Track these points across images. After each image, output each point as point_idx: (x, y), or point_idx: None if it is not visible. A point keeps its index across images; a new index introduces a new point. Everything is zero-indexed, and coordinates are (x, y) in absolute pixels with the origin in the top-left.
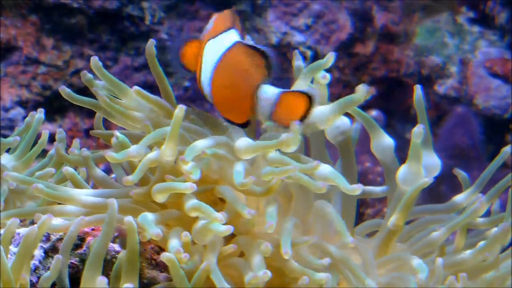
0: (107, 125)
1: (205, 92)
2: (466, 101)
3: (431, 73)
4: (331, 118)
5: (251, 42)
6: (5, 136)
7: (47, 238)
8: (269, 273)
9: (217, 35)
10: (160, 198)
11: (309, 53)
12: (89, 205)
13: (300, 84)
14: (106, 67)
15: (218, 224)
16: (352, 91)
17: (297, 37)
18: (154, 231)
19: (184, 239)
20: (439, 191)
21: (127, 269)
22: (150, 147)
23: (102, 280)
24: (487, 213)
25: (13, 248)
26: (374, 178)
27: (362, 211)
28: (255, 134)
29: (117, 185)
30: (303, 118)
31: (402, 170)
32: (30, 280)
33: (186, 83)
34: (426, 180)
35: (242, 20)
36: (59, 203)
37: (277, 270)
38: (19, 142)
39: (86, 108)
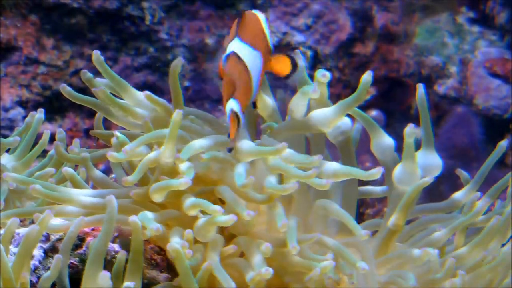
0: (107, 125)
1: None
2: (466, 101)
3: (431, 73)
4: (333, 120)
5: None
6: (5, 136)
7: (47, 238)
8: (271, 270)
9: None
10: (157, 197)
11: (309, 53)
12: (88, 206)
13: (297, 100)
14: None
15: (220, 215)
16: (352, 91)
17: (297, 37)
18: (153, 226)
19: (187, 236)
20: (439, 190)
21: (131, 268)
22: (150, 146)
23: (105, 275)
24: (486, 212)
25: (13, 248)
26: None
27: (362, 211)
28: (255, 133)
29: (117, 186)
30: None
31: (397, 170)
32: (30, 280)
33: (186, 83)
34: (427, 179)
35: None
36: (59, 203)
37: (277, 271)
38: (19, 142)
39: (86, 108)
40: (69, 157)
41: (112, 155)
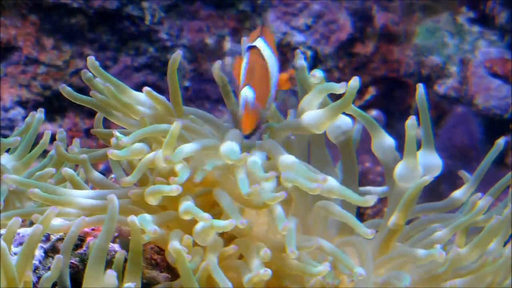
0: (107, 125)
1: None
2: (466, 101)
3: (431, 73)
4: (323, 122)
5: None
6: (5, 136)
7: (47, 238)
8: (269, 271)
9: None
10: (152, 200)
11: (309, 53)
12: (87, 208)
13: (310, 100)
14: (106, 67)
15: (219, 220)
16: None
17: (297, 37)
18: (151, 228)
19: (186, 242)
20: (439, 191)
21: (130, 269)
22: (150, 144)
23: (111, 274)
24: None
25: (13, 248)
26: (374, 178)
27: (362, 211)
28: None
29: (116, 186)
30: None
31: (399, 167)
32: None
33: (186, 83)
34: (426, 178)
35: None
36: None
37: (275, 273)
38: (19, 142)
39: (86, 108)
40: (69, 157)
41: (113, 153)
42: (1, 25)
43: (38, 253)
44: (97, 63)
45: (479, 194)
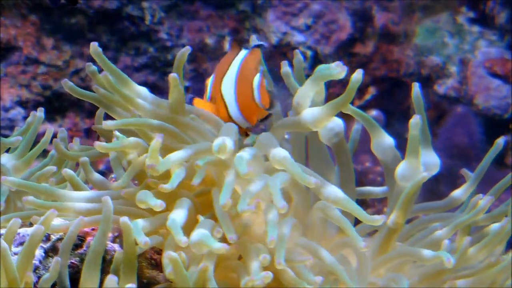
0: None
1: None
2: (466, 101)
3: (431, 73)
4: (322, 120)
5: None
6: (6, 136)
7: (47, 238)
8: (271, 274)
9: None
10: (142, 206)
11: (309, 53)
12: (84, 212)
13: (307, 88)
14: None
15: (213, 240)
16: None
17: (297, 37)
18: (142, 239)
19: (180, 257)
20: (439, 191)
21: (125, 270)
22: (148, 141)
23: (112, 279)
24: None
25: (13, 248)
26: (374, 178)
27: None
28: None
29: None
30: None
31: (401, 166)
32: None
33: (186, 83)
34: (425, 174)
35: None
36: None
37: (274, 274)
38: (20, 141)
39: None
40: (69, 155)
41: (100, 145)
42: (1, 25)
43: (38, 253)
44: (100, 49)
45: (480, 195)
